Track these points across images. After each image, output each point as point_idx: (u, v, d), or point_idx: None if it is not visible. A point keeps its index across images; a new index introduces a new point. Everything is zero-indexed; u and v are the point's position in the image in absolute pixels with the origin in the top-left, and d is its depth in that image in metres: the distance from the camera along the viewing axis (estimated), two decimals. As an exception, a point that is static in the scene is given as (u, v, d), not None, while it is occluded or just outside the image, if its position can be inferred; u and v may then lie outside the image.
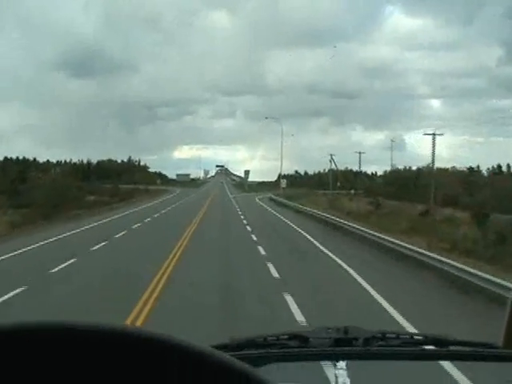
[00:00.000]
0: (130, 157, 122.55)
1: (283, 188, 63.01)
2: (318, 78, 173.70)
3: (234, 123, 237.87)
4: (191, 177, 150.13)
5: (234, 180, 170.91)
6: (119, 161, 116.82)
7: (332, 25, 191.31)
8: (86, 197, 44.48)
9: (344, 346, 1.68)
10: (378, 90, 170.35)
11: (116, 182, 70.15)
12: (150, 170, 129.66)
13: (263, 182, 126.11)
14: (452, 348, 1.74)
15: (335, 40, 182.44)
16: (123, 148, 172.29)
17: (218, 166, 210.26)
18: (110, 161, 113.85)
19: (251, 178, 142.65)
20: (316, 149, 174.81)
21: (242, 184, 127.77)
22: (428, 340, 1.77)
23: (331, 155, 70.12)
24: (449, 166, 69.99)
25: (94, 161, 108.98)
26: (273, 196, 58.81)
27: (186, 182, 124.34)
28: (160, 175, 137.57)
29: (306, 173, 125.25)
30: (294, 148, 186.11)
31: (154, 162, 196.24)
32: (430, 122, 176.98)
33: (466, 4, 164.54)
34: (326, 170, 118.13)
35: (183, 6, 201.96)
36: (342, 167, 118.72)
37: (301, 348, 1.68)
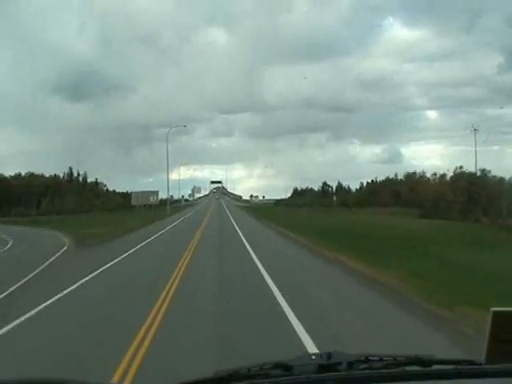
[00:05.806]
0: (70, 169, 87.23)
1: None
2: (316, 92, 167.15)
3: (232, 142, 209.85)
4: (161, 196, 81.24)
5: (239, 200, 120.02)
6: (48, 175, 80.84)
7: (329, 39, 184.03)
8: None
9: (328, 371, 1.64)
10: (376, 102, 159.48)
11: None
12: (107, 188, 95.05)
13: (282, 200, 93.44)
14: (435, 367, 1.71)
15: (333, 54, 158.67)
16: (118, 172, 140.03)
17: (213, 183, 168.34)
18: (32, 176, 78.41)
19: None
20: (315, 164, 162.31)
21: (262, 207, 71.70)
22: (411, 360, 1.73)
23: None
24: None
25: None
26: None
27: (147, 208, 66.68)
28: (127, 195, 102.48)
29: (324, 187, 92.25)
30: (292, 164, 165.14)
31: (150, 185, 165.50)
32: (428, 134, 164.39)
33: (464, 13, 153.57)
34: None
35: (180, 24, 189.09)
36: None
37: (285, 377, 1.63)
